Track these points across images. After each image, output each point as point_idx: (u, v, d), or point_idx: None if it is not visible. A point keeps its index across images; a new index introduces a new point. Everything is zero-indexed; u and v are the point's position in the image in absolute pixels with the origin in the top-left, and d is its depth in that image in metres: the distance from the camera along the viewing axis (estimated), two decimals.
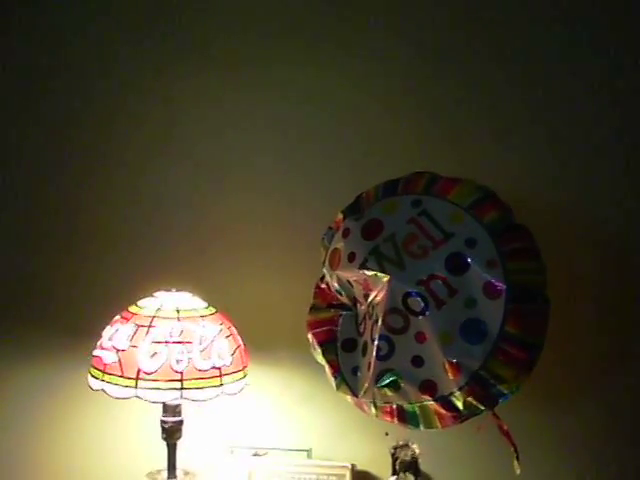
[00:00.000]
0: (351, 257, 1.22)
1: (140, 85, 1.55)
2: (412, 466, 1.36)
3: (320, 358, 1.29)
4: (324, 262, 1.31)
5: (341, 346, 1.27)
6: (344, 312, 1.30)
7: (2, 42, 1.58)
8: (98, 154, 1.57)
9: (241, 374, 1.34)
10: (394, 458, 1.36)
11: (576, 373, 1.44)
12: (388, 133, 1.49)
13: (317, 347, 1.28)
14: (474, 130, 1.47)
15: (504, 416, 1.19)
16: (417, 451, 1.34)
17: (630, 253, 1.45)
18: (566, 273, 1.37)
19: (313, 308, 1.33)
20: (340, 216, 1.31)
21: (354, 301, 1.28)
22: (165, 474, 1.37)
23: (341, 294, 1.29)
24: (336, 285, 1.28)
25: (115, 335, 1.31)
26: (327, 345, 1.28)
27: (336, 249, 1.27)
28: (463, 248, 1.15)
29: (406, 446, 1.36)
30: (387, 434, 1.34)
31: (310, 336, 1.30)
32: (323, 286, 1.33)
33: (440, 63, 1.48)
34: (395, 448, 1.36)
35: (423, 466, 1.36)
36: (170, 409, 1.35)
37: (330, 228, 1.33)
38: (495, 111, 1.47)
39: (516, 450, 1.19)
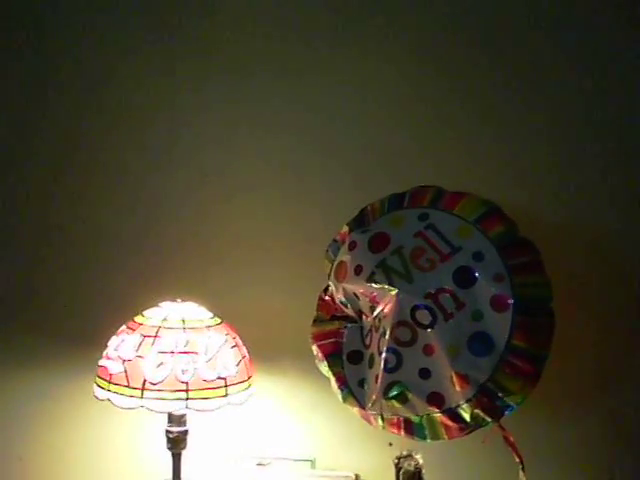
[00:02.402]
0: (358, 270, 1.23)
1: (143, 92, 1.55)
2: (416, 476, 1.35)
3: (326, 370, 1.30)
4: (329, 274, 1.31)
5: (347, 358, 1.28)
6: (349, 324, 1.31)
7: (3, 47, 1.58)
8: (103, 163, 1.57)
9: (246, 384, 1.35)
10: (398, 468, 1.36)
11: (580, 385, 1.45)
12: (392, 147, 1.50)
13: (323, 359, 1.29)
14: (477, 145, 1.49)
15: (509, 428, 1.21)
16: (421, 461, 1.34)
17: (632, 267, 1.46)
18: (568, 287, 1.38)
19: (317, 320, 1.33)
20: (345, 229, 1.32)
21: (359, 313, 1.29)
22: None
23: (346, 306, 1.30)
24: (342, 297, 1.29)
25: (121, 345, 1.31)
26: (333, 357, 1.29)
27: (342, 262, 1.28)
28: (471, 262, 1.17)
29: (410, 456, 1.35)
30: (391, 444, 1.35)
31: (315, 348, 1.31)
32: (327, 298, 1.33)
33: (447, 76, 1.49)
34: (399, 458, 1.36)
35: (426, 476, 1.37)
36: (175, 419, 1.35)
37: (335, 240, 1.33)
38: (499, 125, 1.48)
39: (522, 461, 1.21)
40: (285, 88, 1.52)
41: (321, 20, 1.51)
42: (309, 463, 1.49)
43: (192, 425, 1.37)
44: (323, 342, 1.30)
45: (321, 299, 1.34)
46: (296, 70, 1.52)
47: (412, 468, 1.35)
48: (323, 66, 1.51)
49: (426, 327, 1.16)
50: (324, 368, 1.30)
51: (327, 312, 1.33)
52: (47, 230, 1.58)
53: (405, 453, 1.36)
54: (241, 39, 1.53)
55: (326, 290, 1.33)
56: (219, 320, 1.38)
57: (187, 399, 1.27)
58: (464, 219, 1.21)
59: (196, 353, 1.29)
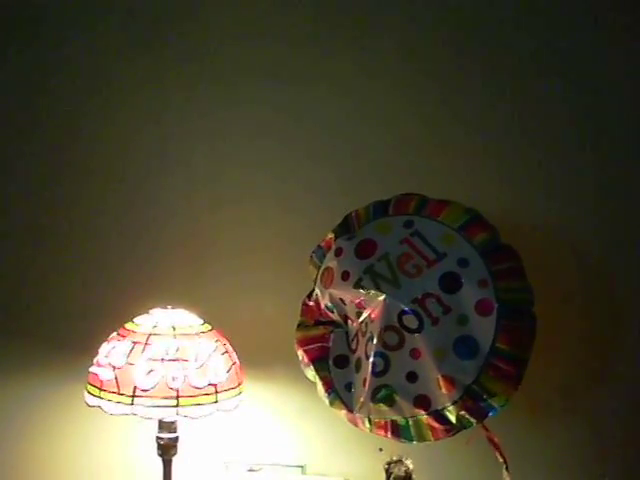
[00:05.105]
0: (345, 276, 1.25)
1: (133, 101, 1.57)
2: None
3: (312, 375, 1.30)
4: (315, 280, 1.33)
5: (333, 363, 1.29)
6: (335, 329, 1.32)
7: None
8: (94, 171, 1.58)
9: (236, 391, 1.36)
10: (388, 473, 1.36)
11: (565, 387, 1.47)
12: (378, 155, 1.52)
13: (309, 364, 1.30)
14: (462, 153, 1.51)
15: (495, 430, 1.22)
16: (411, 467, 1.35)
17: (615, 271, 1.48)
18: (553, 292, 1.40)
19: (301, 325, 1.35)
20: (331, 235, 1.33)
21: (345, 318, 1.30)
22: None
23: (332, 311, 1.31)
24: (328, 303, 1.30)
25: (112, 352, 1.32)
26: (319, 362, 1.30)
27: (329, 268, 1.29)
28: (456, 268, 1.19)
29: (400, 461, 1.36)
30: (381, 450, 1.35)
31: (301, 353, 1.32)
32: (311, 303, 1.34)
33: (434, 85, 1.51)
34: (389, 463, 1.36)
35: None
36: (165, 425, 1.36)
37: (319, 247, 1.35)
38: (485, 135, 1.50)
39: (505, 461, 1.23)
40: (273, 97, 1.54)
41: (310, 29, 1.53)
42: (300, 469, 1.49)
43: (183, 431, 1.38)
44: (309, 347, 1.31)
45: (305, 304, 1.35)
46: (284, 79, 1.53)
47: (402, 473, 1.36)
48: (311, 75, 1.53)
49: (413, 331, 1.18)
50: (310, 373, 1.31)
51: (311, 317, 1.34)
52: (38, 237, 1.59)
53: (395, 458, 1.37)
54: (230, 48, 1.54)
55: (310, 296, 1.35)
56: (209, 327, 1.39)
57: (177, 406, 1.28)
58: (448, 226, 1.23)
59: (186, 360, 1.30)
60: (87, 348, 1.40)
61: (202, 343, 1.33)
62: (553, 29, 1.48)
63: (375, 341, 1.19)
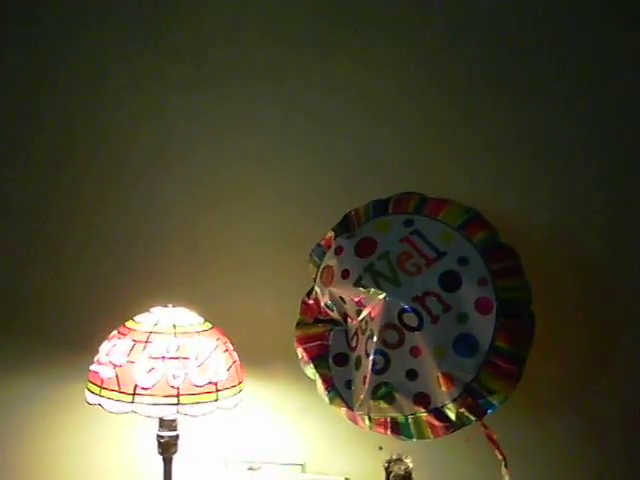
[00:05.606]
0: (345, 274, 1.25)
1: (134, 98, 1.57)
2: None
3: (312, 373, 1.31)
4: (315, 278, 1.33)
5: (333, 361, 1.30)
6: (334, 327, 1.32)
7: None
8: (94, 169, 1.58)
9: (237, 389, 1.36)
10: (388, 472, 1.36)
11: (564, 386, 1.48)
12: (379, 153, 1.52)
13: (309, 362, 1.31)
14: (461, 153, 1.51)
15: (494, 427, 1.23)
16: (410, 465, 1.36)
17: (612, 271, 1.49)
18: (553, 291, 1.41)
19: (300, 323, 1.35)
20: (331, 234, 1.34)
21: (344, 316, 1.31)
22: None
23: (332, 309, 1.31)
24: (327, 301, 1.30)
25: (112, 350, 1.33)
26: (319, 360, 1.31)
27: (329, 266, 1.29)
28: (456, 266, 1.20)
29: (400, 460, 1.36)
30: (381, 448, 1.36)
31: (300, 351, 1.32)
32: (310, 302, 1.35)
33: (435, 83, 1.51)
34: (389, 462, 1.37)
35: None
36: (166, 424, 1.36)
37: (319, 245, 1.35)
38: (485, 135, 1.50)
39: (504, 458, 1.23)
40: (273, 95, 1.54)
41: (311, 27, 1.53)
42: (299, 467, 1.50)
43: (183, 430, 1.38)
44: (308, 345, 1.31)
45: (304, 303, 1.36)
46: (285, 77, 1.54)
47: (402, 472, 1.36)
48: (311, 72, 1.53)
49: (413, 329, 1.19)
50: (310, 371, 1.31)
51: (310, 315, 1.35)
52: (38, 235, 1.59)
53: (395, 457, 1.37)
54: (230, 46, 1.55)
55: (309, 294, 1.35)
56: (210, 325, 1.39)
57: (178, 404, 1.28)
58: (448, 225, 1.24)
59: (187, 358, 1.30)
60: (88, 346, 1.40)
61: (203, 341, 1.34)
62: (555, 28, 1.48)
63: (375, 339, 1.20)
